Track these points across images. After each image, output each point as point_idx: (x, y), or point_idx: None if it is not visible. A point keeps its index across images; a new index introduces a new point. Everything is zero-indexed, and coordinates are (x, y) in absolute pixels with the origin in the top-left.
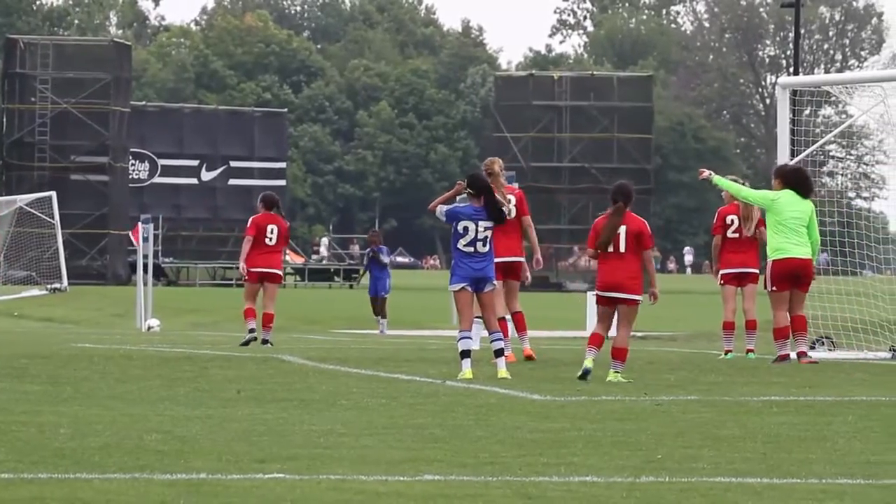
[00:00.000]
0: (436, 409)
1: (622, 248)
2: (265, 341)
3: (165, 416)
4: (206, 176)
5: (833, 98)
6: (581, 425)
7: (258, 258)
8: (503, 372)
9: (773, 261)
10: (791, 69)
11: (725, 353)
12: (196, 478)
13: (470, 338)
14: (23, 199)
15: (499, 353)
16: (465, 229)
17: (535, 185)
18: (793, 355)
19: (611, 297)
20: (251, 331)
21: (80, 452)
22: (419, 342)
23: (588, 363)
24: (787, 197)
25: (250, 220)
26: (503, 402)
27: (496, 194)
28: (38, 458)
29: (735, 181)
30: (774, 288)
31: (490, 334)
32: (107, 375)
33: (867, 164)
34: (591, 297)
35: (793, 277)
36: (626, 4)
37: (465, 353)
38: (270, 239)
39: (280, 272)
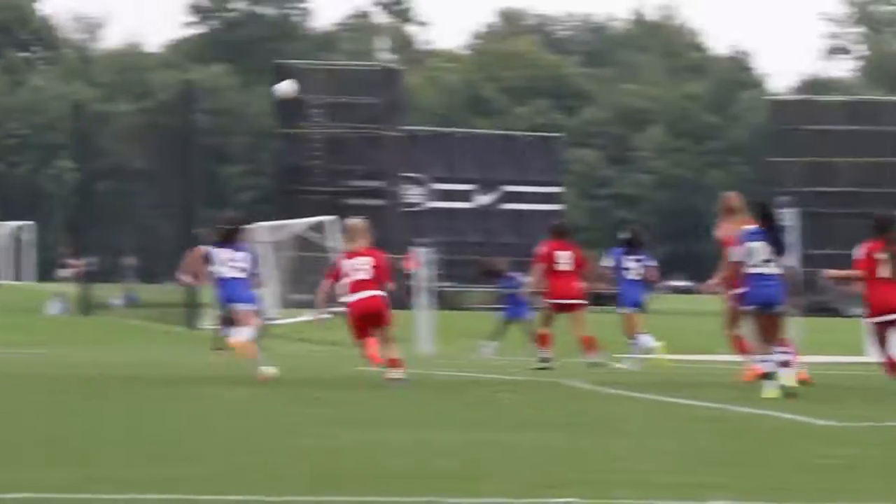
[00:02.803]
0: (720, 434)
1: (886, 273)
2: (592, 364)
3: (454, 440)
4: (480, 200)
5: None
6: (870, 451)
7: (553, 287)
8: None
9: None
10: None
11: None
12: (487, 502)
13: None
14: (304, 224)
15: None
16: (750, 251)
17: (809, 211)
18: None
19: (891, 319)
20: (543, 359)
21: (371, 476)
22: (701, 367)
23: None
24: None
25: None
26: (788, 427)
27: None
28: (332, 481)
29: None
30: None
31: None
32: (395, 400)
33: None
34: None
35: None
36: None
37: (766, 375)
38: (559, 264)
39: (574, 301)
